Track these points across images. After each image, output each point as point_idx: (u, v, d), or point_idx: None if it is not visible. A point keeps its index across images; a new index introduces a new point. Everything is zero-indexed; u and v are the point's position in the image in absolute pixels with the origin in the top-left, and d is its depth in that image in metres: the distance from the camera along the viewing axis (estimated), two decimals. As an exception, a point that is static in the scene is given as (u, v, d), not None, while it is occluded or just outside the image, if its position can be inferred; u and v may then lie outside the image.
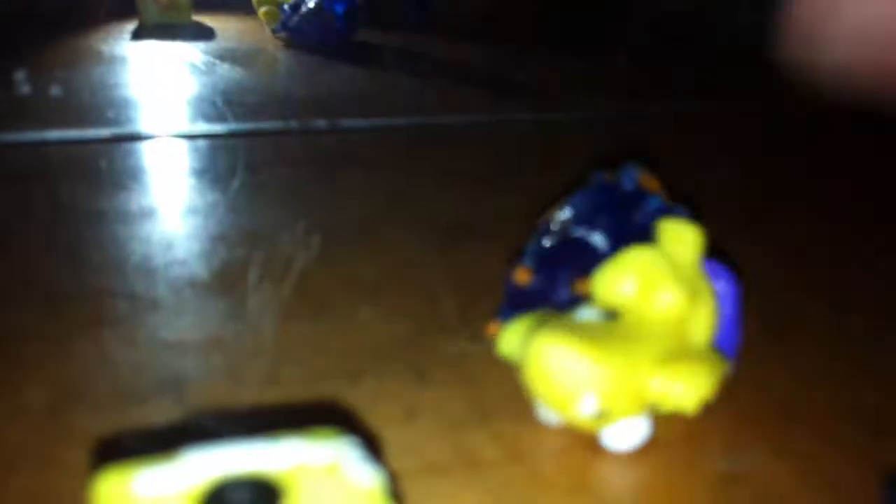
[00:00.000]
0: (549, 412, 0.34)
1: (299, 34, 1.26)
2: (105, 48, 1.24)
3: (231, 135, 0.80)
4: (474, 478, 0.33)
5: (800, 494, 0.32)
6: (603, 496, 0.32)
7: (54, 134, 0.78)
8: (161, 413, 0.36)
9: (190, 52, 1.24)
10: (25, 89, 0.94)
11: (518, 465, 0.33)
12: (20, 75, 0.97)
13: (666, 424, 0.35)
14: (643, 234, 0.36)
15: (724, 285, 0.36)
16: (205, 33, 1.39)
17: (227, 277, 0.49)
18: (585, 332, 0.32)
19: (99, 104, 0.90)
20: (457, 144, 0.82)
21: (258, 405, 0.37)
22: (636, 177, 0.38)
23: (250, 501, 0.21)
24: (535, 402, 0.35)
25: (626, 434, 0.33)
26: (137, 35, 1.35)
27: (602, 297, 0.35)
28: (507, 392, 0.37)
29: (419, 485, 0.32)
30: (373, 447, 0.34)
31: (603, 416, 0.32)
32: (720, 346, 0.36)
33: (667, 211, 0.38)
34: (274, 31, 1.31)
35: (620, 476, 0.33)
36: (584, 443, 0.34)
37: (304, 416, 0.36)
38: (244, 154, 0.74)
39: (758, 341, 0.42)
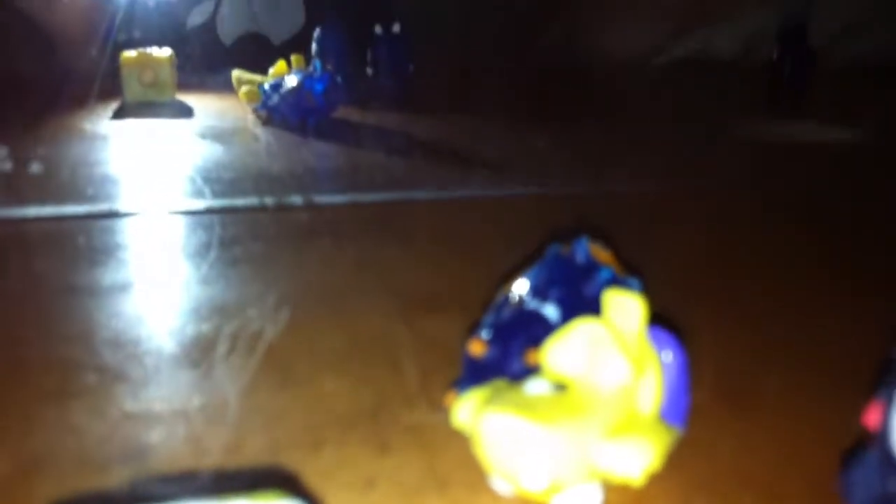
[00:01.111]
0: (503, 481, 0.35)
1: (279, 113, 1.29)
2: (87, 125, 1.26)
3: (208, 211, 0.82)
4: (429, 545, 0.33)
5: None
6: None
7: (32, 210, 0.80)
8: (122, 481, 0.37)
9: (171, 130, 1.26)
10: (6, 166, 0.96)
11: (472, 532, 0.34)
12: (1, 152, 0.98)
13: (616, 491, 0.36)
14: (594, 305, 0.37)
15: (670, 354, 0.37)
16: (186, 111, 1.42)
17: (195, 350, 0.50)
18: (533, 405, 0.33)
19: (78, 181, 0.91)
20: (424, 217, 0.84)
21: (219, 473, 0.38)
22: (588, 249, 0.40)
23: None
24: (490, 472, 0.36)
25: (576, 503, 0.34)
26: (120, 113, 1.38)
27: (550, 369, 0.36)
28: (464, 461, 0.38)
29: (374, 552, 0.33)
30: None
31: (552, 487, 0.33)
32: (668, 415, 0.37)
33: (617, 282, 0.39)
34: (255, 110, 1.34)
35: (572, 542, 0.34)
36: (538, 510, 0.35)
37: (262, 484, 0.37)
38: (220, 229, 0.75)
39: (707, 407, 0.43)
